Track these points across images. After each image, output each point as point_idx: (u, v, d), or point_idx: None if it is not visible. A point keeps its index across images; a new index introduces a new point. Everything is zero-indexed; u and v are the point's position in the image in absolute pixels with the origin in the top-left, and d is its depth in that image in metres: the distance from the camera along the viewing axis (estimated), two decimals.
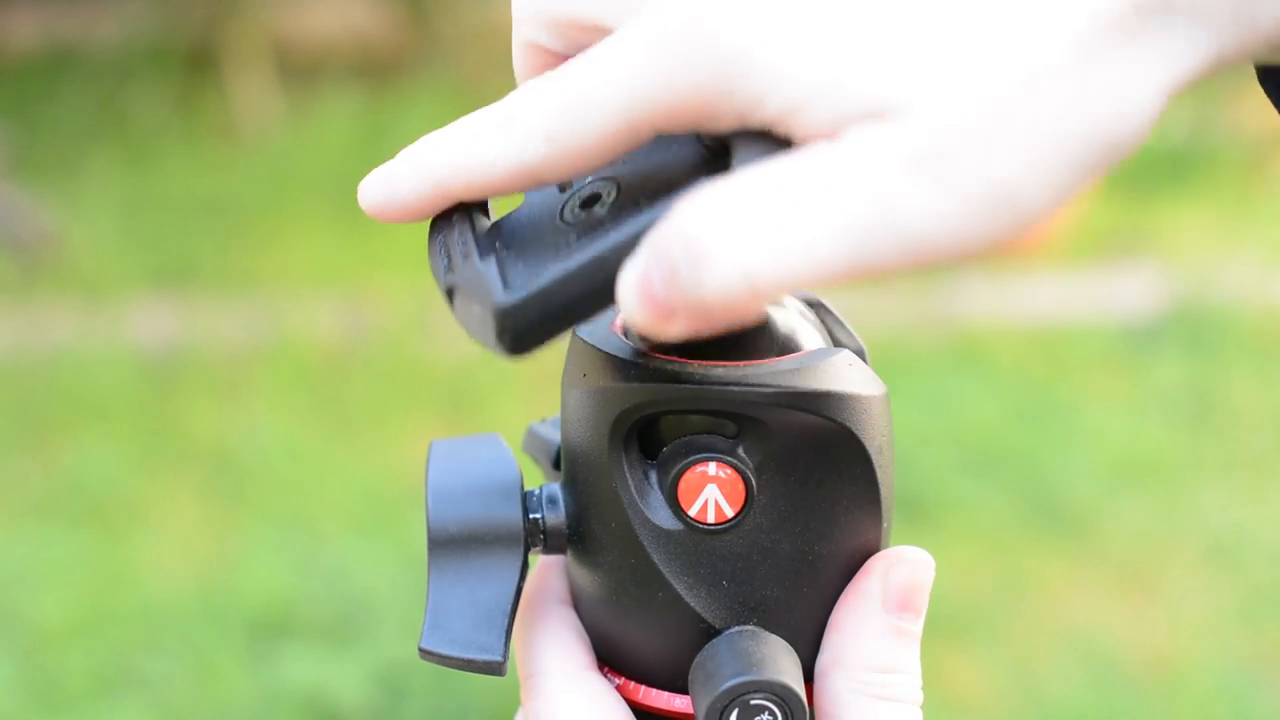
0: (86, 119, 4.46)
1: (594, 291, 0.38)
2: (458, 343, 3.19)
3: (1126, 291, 3.30)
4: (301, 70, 4.78)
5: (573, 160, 0.39)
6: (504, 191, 0.41)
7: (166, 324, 3.28)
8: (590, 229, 0.40)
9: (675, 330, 0.37)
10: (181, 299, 3.41)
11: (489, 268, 0.41)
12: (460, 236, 0.43)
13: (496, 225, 0.43)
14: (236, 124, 4.51)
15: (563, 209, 0.42)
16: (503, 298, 0.39)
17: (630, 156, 0.42)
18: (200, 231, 3.78)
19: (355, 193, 0.44)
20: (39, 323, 3.32)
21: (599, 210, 0.41)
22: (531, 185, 0.40)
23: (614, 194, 0.41)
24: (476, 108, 0.43)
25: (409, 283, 3.42)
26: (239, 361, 3.12)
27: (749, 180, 0.36)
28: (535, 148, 0.39)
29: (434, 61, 4.86)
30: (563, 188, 0.43)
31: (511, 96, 0.40)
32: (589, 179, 0.42)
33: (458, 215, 0.43)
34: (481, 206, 0.44)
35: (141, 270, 3.54)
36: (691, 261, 0.36)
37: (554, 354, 0.43)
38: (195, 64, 4.65)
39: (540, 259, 0.40)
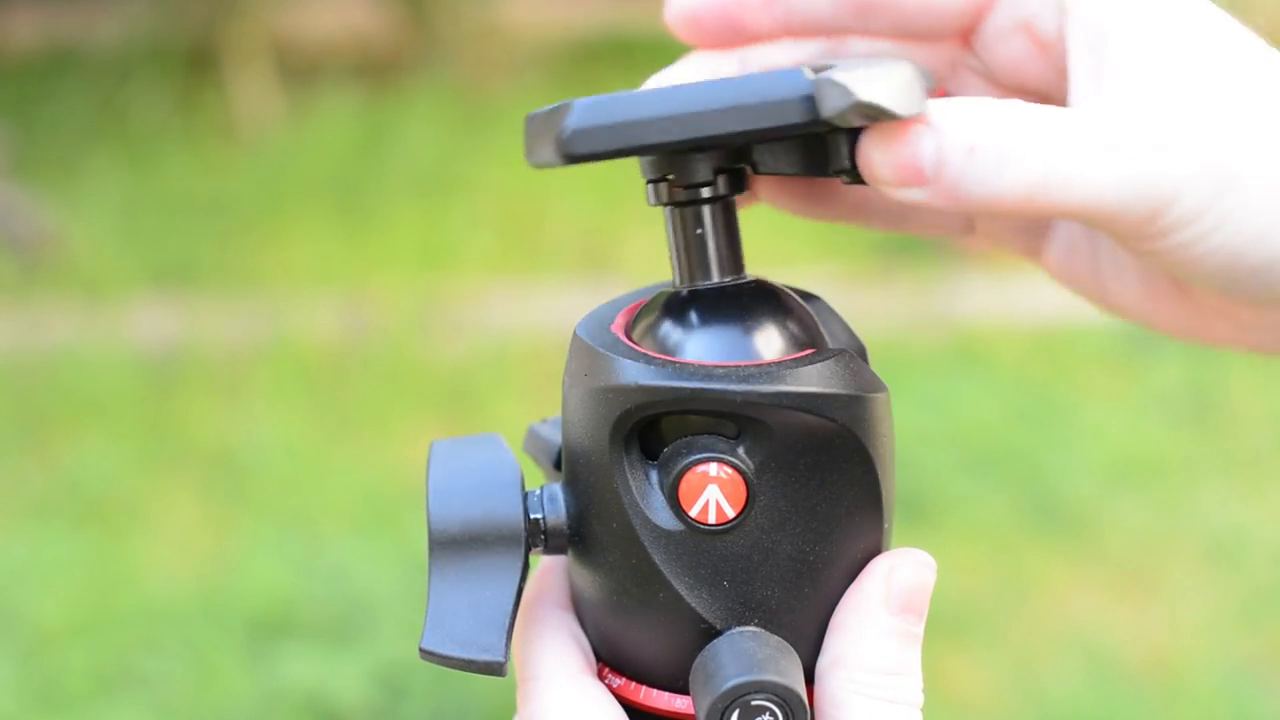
0: (86, 119, 4.46)
1: (663, 118, 0.39)
2: (458, 343, 3.19)
3: None
4: (301, 70, 4.78)
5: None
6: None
7: (166, 324, 3.28)
8: None
9: (913, 197, 0.40)
10: (181, 299, 3.41)
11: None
12: None
13: None
14: (236, 124, 4.50)
15: None
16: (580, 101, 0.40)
17: None
18: (200, 231, 3.78)
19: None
20: (39, 323, 3.32)
21: None
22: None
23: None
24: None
25: (409, 283, 3.42)
26: (239, 361, 3.12)
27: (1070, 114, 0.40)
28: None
29: (434, 61, 4.86)
30: None
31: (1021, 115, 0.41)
32: None
33: None
34: None
35: (141, 270, 3.54)
36: (1000, 150, 0.39)
37: (554, 354, 0.43)
38: (195, 64, 4.65)
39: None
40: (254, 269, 3.58)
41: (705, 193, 0.44)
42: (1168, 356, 3.04)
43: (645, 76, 0.48)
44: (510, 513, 0.45)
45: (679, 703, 0.45)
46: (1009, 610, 2.30)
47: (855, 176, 0.42)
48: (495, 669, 0.43)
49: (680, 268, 0.45)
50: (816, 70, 0.39)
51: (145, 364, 3.11)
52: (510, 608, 0.44)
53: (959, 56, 0.49)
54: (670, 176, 0.44)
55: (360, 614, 2.23)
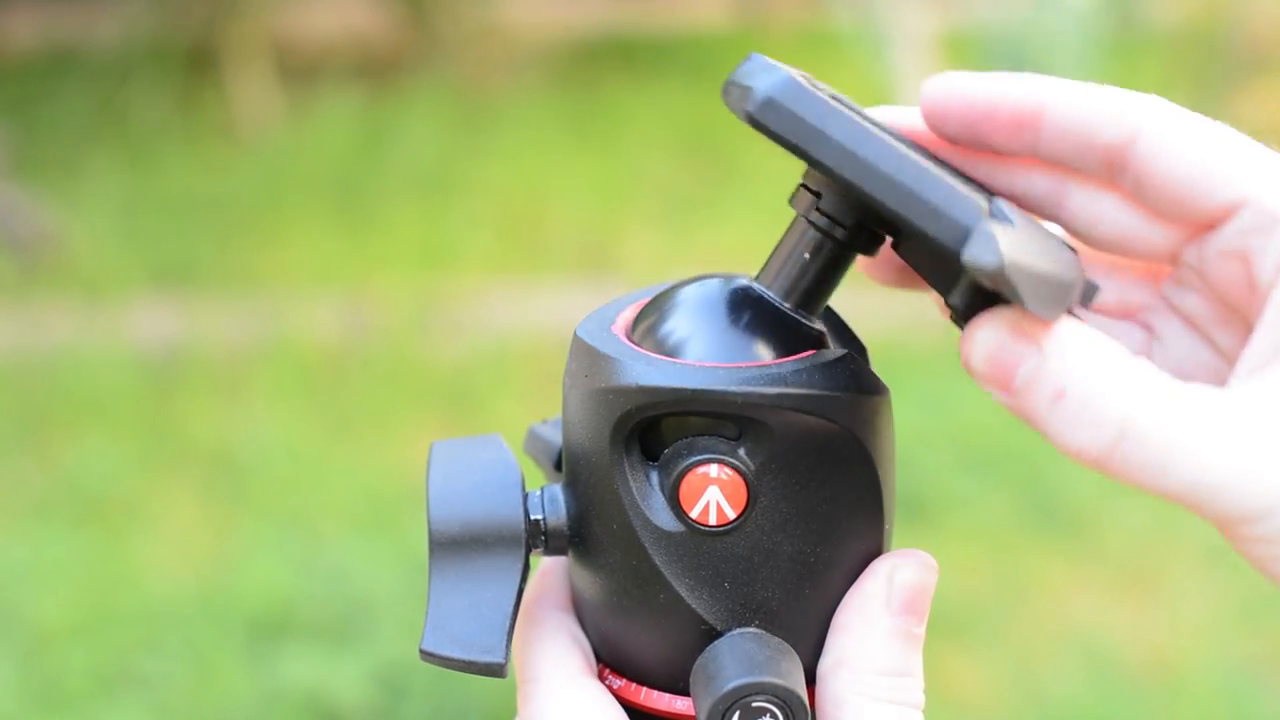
0: (86, 119, 4.46)
1: (847, 149, 0.39)
2: (458, 343, 3.19)
3: None
4: (301, 70, 4.77)
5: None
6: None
7: (166, 324, 3.28)
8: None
9: (993, 394, 0.41)
10: (181, 299, 3.41)
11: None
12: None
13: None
14: (236, 124, 4.50)
15: None
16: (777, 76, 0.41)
17: None
18: (200, 231, 3.78)
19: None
20: (39, 323, 3.32)
21: None
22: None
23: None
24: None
25: (409, 283, 3.42)
26: (239, 361, 3.12)
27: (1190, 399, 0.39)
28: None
29: (434, 61, 4.86)
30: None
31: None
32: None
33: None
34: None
35: (141, 270, 3.54)
36: (1082, 406, 0.39)
37: (554, 354, 0.43)
38: (195, 64, 4.65)
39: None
40: (254, 269, 3.58)
41: (838, 233, 0.44)
42: None
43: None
44: (511, 514, 0.45)
45: (680, 704, 0.45)
46: (1009, 610, 2.29)
47: (958, 322, 0.42)
48: (495, 670, 0.43)
49: (770, 270, 0.45)
50: (996, 212, 0.39)
51: (145, 364, 3.11)
52: (511, 609, 0.44)
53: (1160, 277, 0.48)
54: (820, 196, 0.44)
55: (360, 614, 2.23)
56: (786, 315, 0.44)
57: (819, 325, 0.45)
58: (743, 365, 0.43)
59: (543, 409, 2.66)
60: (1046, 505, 2.54)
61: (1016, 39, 3.97)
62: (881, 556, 0.45)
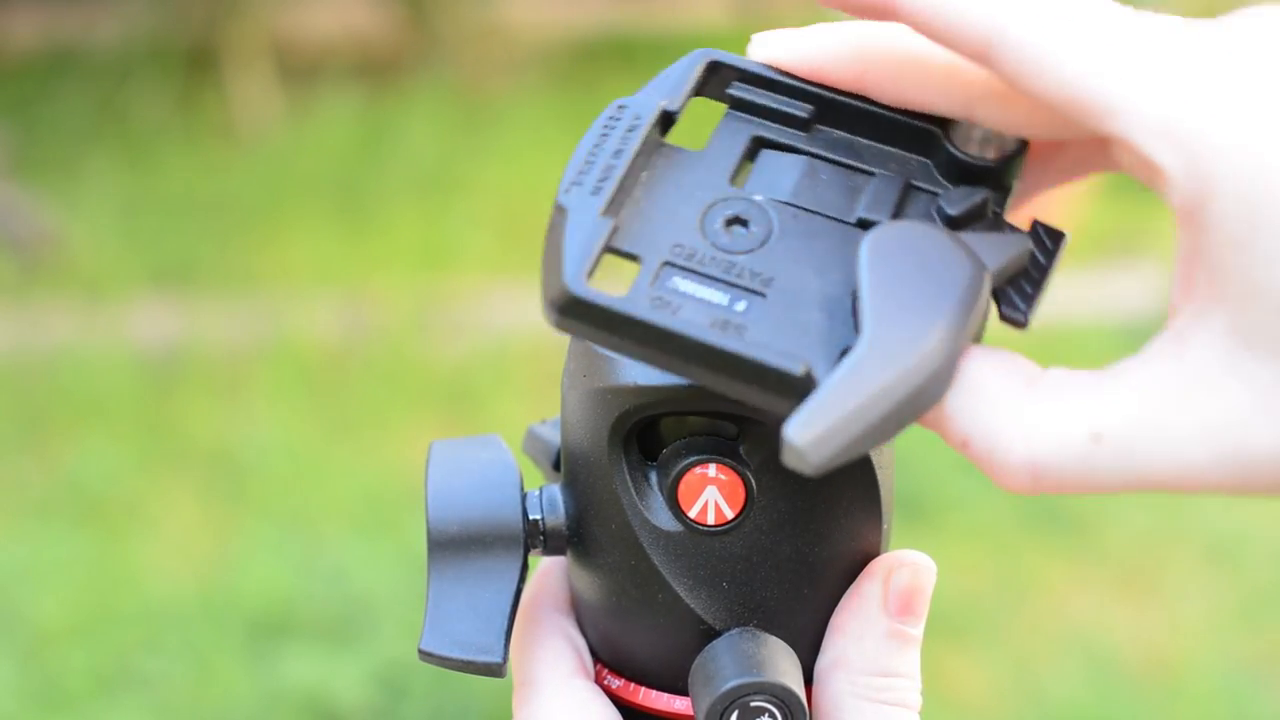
0: (86, 119, 4.46)
1: (650, 347, 0.38)
2: (458, 343, 3.19)
3: (1126, 291, 3.29)
4: (301, 70, 4.77)
5: None
6: None
7: (166, 324, 3.28)
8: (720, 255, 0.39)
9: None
10: (181, 299, 3.41)
11: (591, 232, 0.38)
12: (616, 149, 0.40)
13: (654, 159, 0.41)
14: (236, 124, 4.50)
15: (707, 211, 0.40)
16: (570, 279, 0.38)
17: (818, 190, 0.41)
18: (200, 231, 3.78)
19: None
20: (39, 323, 3.32)
21: (744, 243, 0.39)
22: None
23: (770, 234, 0.40)
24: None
25: (409, 283, 3.42)
26: (239, 361, 3.12)
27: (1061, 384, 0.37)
28: None
29: (434, 61, 4.85)
30: (749, 156, 0.42)
31: None
32: (759, 197, 0.40)
33: (642, 121, 0.41)
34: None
35: (141, 270, 3.54)
36: (988, 454, 0.37)
37: (554, 354, 0.43)
38: (195, 64, 4.65)
39: (653, 245, 0.39)
40: (254, 269, 3.58)
41: None
42: None
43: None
44: (509, 514, 0.45)
45: (678, 704, 0.45)
46: (1009, 610, 2.29)
47: None
48: (494, 670, 0.43)
49: None
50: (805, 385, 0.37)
51: (145, 364, 3.11)
52: (509, 609, 0.44)
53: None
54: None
55: (360, 614, 2.23)
56: None
57: None
58: None
59: (542, 409, 2.66)
60: (1046, 505, 2.54)
61: None
62: (879, 558, 0.45)
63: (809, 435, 0.35)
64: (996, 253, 0.40)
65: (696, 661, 0.43)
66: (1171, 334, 0.37)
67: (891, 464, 0.45)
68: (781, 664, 0.42)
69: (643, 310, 0.38)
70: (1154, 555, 2.42)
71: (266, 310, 3.31)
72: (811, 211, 0.40)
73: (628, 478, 0.43)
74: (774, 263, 0.39)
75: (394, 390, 3.01)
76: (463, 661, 0.43)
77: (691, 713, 0.44)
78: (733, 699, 0.41)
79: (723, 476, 0.42)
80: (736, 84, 0.43)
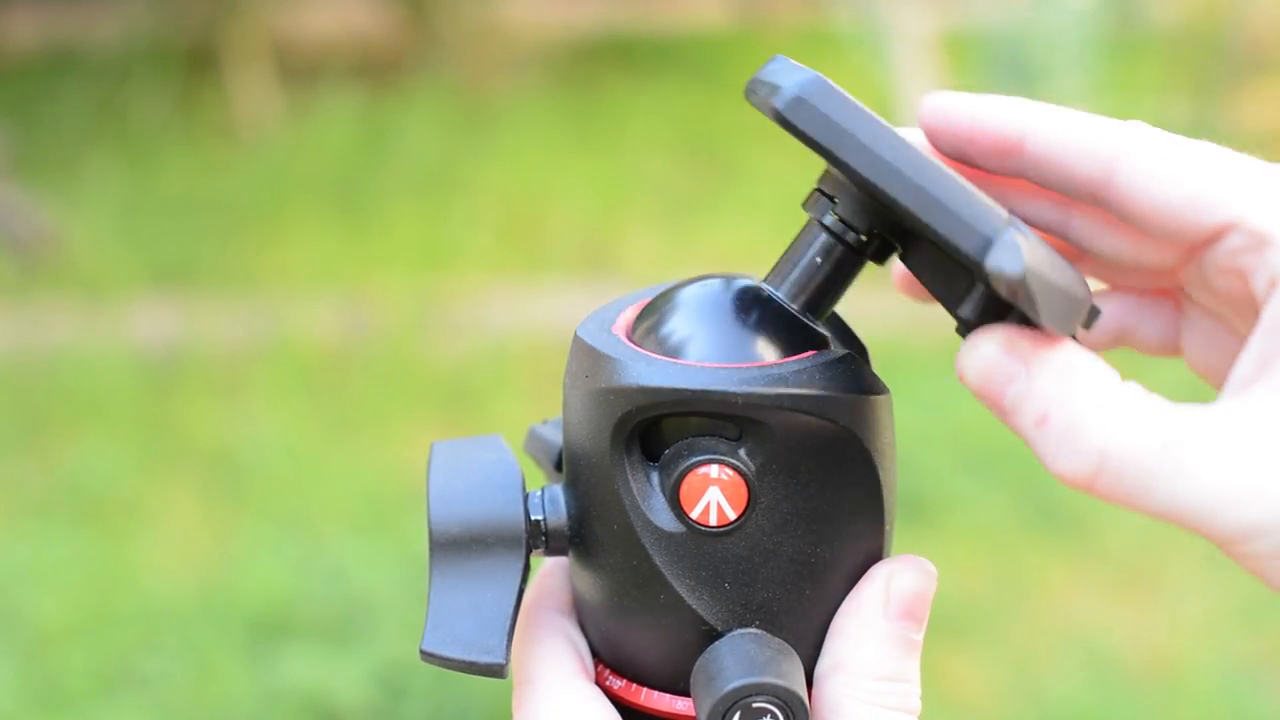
0: (86, 119, 4.46)
1: (874, 153, 0.39)
2: (458, 343, 3.19)
3: None
4: (301, 70, 4.77)
5: None
6: None
7: (166, 324, 3.28)
8: None
9: (973, 370, 0.41)
10: (181, 299, 3.41)
11: None
12: None
13: None
14: (236, 124, 4.50)
15: None
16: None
17: None
18: (200, 231, 3.78)
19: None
20: (39, 323, 3.32)
21: None
22: None
23: None
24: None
25: (409, 283, 3.42)
26: (239, 361, 3.12)
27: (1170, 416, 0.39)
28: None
29: (434, 61, 4.86)
30: None
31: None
32: None
33: None
34: None
35: (141, 270, 3.54)
36: (1064, 432, 0.39)
37: (554, 354, 0.43)
38: (195, 64, 4.65)
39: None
40: (254, 269, 3.58)
41: (850, 238, 0.44)
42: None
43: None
44: (511, 514, 0.45)
45: (680, 704, 0.45)
46: (1009, 610, 2.29)
47: (962, 334, 0.42)
48: (496, 671, 0.43)
49: (780, 271, 0.45)
50: (1016, 224, 0.39)
51: (145, 364, 3.11)
52: (511, 609, 0.44)
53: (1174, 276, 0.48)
54: (836, 202, 0.44)
55: (360, 614, 2.23)
56: (788, 315, 0.44)
57: (823, 329, 0.45)
58: (743, 366, 0.43)
59: (543, 409, 2.66)
60: (1046, 505, 2.54)
61: (1016, 39, 3.97)
62: (881, 562, 0.45)
63: (1032, 247, 0.38)
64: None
65: (698, 662, 0.43)
66: (1251, 391, 0.40)
67: (894, 465, 0.45)
68: (784, 665, 0.42)
69: (878, 115, 0.40)
70: (1154, 555, 2.42)
71: (266, 310, 3.31)
72: None
73: (630, 478, 0.43)
74: None
75: (394, 390, 3.01)
76: (464, 662, 0.43)
77: (693, 713, 0.44)
78: (735, 700, 0.41)
79: (725, 477, 0.42)
80: None
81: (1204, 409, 0.40)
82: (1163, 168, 0.42)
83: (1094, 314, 0.42)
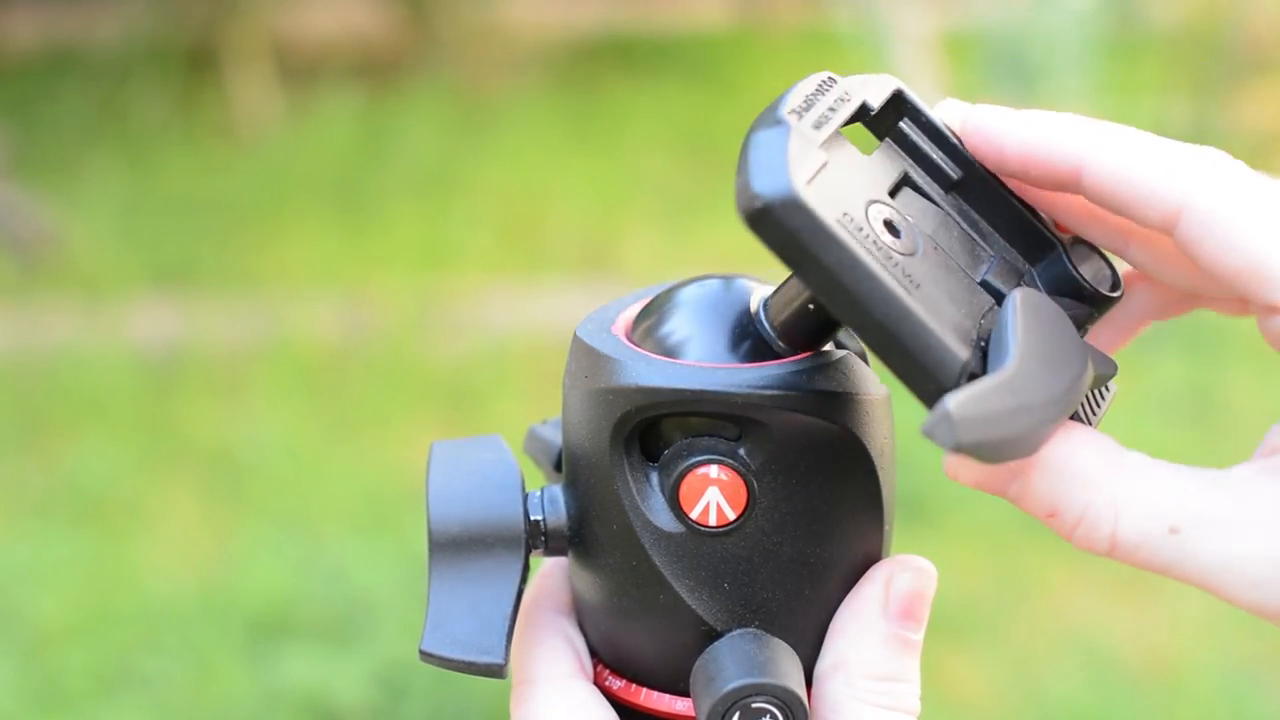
0: (86, 119, 4.46)
1: (827, 274, 0.38)
2: (458, 343, 3.19)
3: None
4: (301, 70, 4.77)
5: None
6: None
7: (166, 324, 3.28)
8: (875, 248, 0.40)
9: (964, 477, 0.41)
10: (181, 299, 3.41)
11: (807, 156, 0.39)
12: (832, 107, 0.42)
13: (838, 139, 0.42)
14: (236, 124, 4.50)
15: (869, 206, 0.41)
16: (775, 187, 0.38)
17: (951, 238, 0.43)
18: (200, 231, 3.78)
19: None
20: (39, 323, 3.32)
21: (898, 246, 0.41)
22: None
23: (916, 250, 0.41)
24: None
25: (409, 283, 3.42)
26: (239, 361, 3.12)
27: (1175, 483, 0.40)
28: None
29: (434, 61, 4.85)
30: (896, 189, 0.43)
31: None
32: (910, 218, 0.42)
33: (852, 97, 0.43)
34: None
35: (141, 270, 3.54)
36: (1075, 526, 0.40)
37: (554, 354, 0.43)
38: (195, 64, 4.65)
39: (835, 205, 0.39)
40: (254, 269, 3.58)
41: None
42: (1168, 356, 3.04)
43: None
44: (510, 514, 0.45)
45: (679, 705, 0.45)
46: (1009, 610, 2.29)
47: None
48: (495, 671, 0.43)
49: (776, 304, 0.44)
50: (983, 343, 0.39)
51: (145, 364, 3.11)
52: (510, 610, 0.44)
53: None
54: None
55: (360, 614, 2.23)
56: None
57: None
58: (743, 366, 0.42)
59: (543, 409, 2.66)
60: None
61: (1016, 39, 3.97)
62: (880, 562, 0.45)
63: (969, 413, 0.36)
64: (1098, 361, 0.42)
65: (698, 663, 0.43)
66: (1265, 464, 0.41)
67: (893, 466, 0.45)
68: (783, 665, 0.42)
69: (849, 237, 0.38)
70: None
71: (266, 310, 3.31)
72: (946, 252, 0.42)
73: (629, 478, 0.43)
74: (919, 273, 0.40)
75: (394, 390, 3.01)
76: (464, 662, 0.43)
77: (693, 714, 0.44)
78: (734, 700, 0.41)
79: (724, 477, 0.42)
80: (907, 120, 0.45)
81: (1215, 480, 0.40)
82: (1232, 226, 0.40)
83: (1105, 376, 0.43)
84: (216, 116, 4.53)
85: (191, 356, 3.14)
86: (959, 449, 0.36)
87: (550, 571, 0.49)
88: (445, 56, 4.88)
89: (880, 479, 0.44)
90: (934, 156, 0.44)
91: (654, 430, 0.43)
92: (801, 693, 0.42)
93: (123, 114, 4.53)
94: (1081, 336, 0.43)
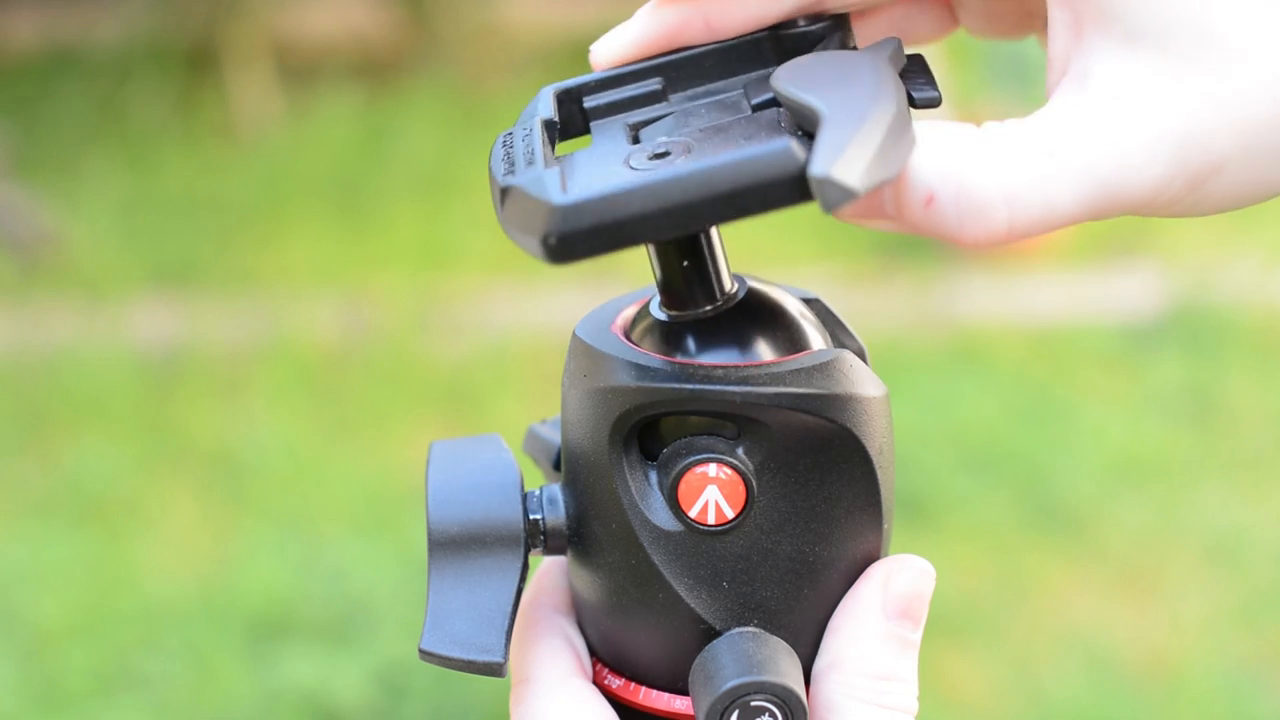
0: (86, 119, 4.46)
1: (656, 212, 0.38)
2: (458, 343, 3.19)
3: (1126, 292, 3.30)
4: (301, 70, 4.77)
5: None
6: None
7: (166, 324, 3.28)
8: (660, 164, 0.40)
9: (874, 226, 0.40)
10: (181, 299, 3.41)
11: (551, 175, 0.40)
12: (526, 145, 0.42)
13: (561, 157, 0.43)
14: (236, 124, 4.50)
15: (629, 157, 0.41)
16: (559, 198, 0.38)
17: (702, 118, 0.43)
18: (200, 231, 3.78)
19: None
20: (39, 323, 3.32)
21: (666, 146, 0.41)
22: None
23: (687, 152, 0.40)
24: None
25: (409, 283, 3.42)
26: (239, 361, 3.12)
27: (1021, 132, 0.39)
28: None
29: (434, 61, 4.85)
30: (634, 139, 0.43)
31: None
32: (661, 138, 0.42)
33: (533, 126, 0.43)
34: (553, 127, 0.44)
35: (141, 270, 3.54)
36: (964, 207, 0.38)
37: (554, 354, 0.43)
38: (195, 64, 4.65)
39: (605, 179, 0.39)
40: (254, 269, 3.58)
41: None
42: (1168, 356, 3.04)
43: None
44: (510, 514, 0.45)
45: (678, 703, 0.45)
46: (1009, 610, 2.29)
47: None
48: (495, 670, 0.43)
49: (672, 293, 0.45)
50: (798, 131, 0.39)
51: (145, 364, 3.11)
52: (510, 609, 0.44)
53: None
54: None
55: (360, 614, 2.23)
56: (786, 315, 0.44)
57: (820, 329, 0.45)
58: (742, 365, 0.43)
59: (542, 409, 2.66)
60: (1046, 505, 2.54)
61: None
62: (879, 561, 0.45)
63: (835, 163, 0.36)
64: (880, 49, 0.42)
65: (697, 661, 0.43)
66: (1072, 75, 0.40)
67: (891, 465, 0.45)
68: (782, 664, 0.42)
69: (623, 179, 0.38)
70: (1154, 555, 2.42)
71: (266, 310, 3.31)
72: (712, 126, 0.42)
73: (628, 477, 0.43)
74: (697, 138, 0.41)
75: (394, 390, 3.01)
76: (463, 661, 0.43)
77: (692, 712, 0.44)
78: (733, 699, 0.41)
79: (723, 476, 0.42)
80: (587, 98, 0.45)
81: (1052, 105, 0.40)
82: None
83: (932, 100, 0.42)
84: (216, 116, 4.53)
85: (191, 356, 3.14)
86: (856, 196, 0.36)
87: (549, 570, 0.49)
88: (445, 56, 4.88)
89: (879, 478, 0.44)
90: (629, 94, 0.45)
91: (653, 429, 0.43)
92: (800, 691, 0.42)
93: (123, 114, 4.53)
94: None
